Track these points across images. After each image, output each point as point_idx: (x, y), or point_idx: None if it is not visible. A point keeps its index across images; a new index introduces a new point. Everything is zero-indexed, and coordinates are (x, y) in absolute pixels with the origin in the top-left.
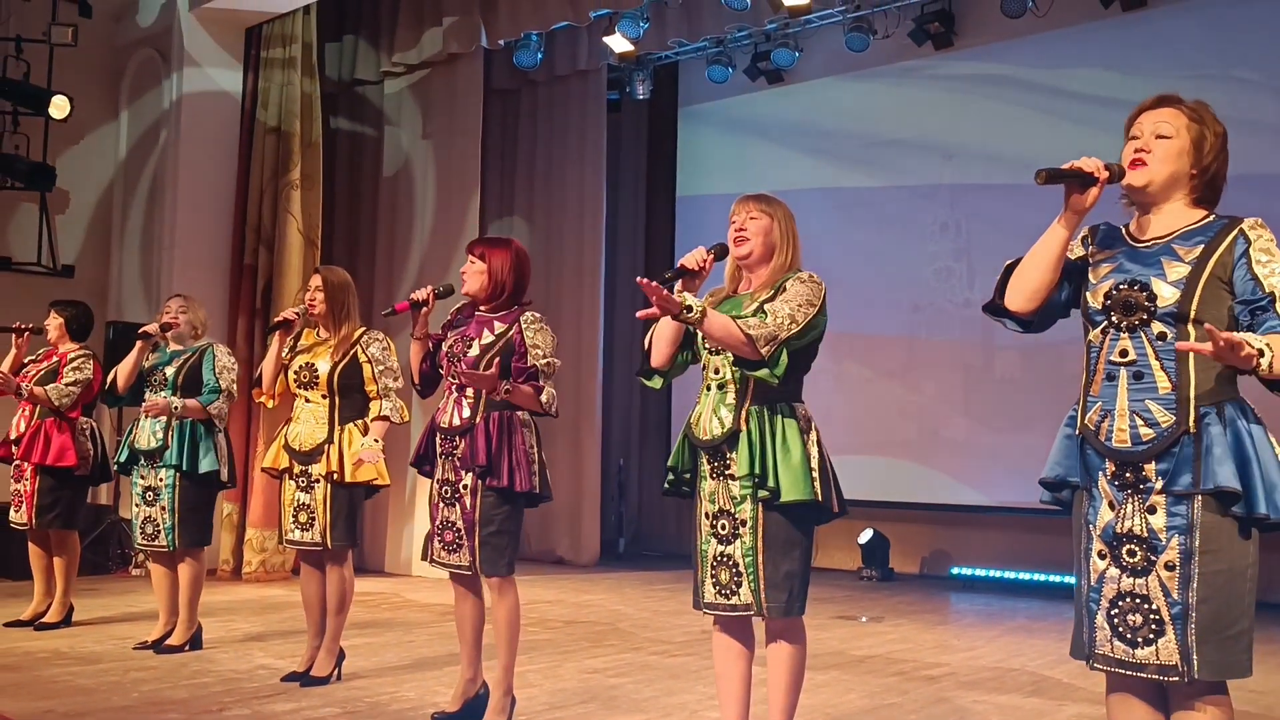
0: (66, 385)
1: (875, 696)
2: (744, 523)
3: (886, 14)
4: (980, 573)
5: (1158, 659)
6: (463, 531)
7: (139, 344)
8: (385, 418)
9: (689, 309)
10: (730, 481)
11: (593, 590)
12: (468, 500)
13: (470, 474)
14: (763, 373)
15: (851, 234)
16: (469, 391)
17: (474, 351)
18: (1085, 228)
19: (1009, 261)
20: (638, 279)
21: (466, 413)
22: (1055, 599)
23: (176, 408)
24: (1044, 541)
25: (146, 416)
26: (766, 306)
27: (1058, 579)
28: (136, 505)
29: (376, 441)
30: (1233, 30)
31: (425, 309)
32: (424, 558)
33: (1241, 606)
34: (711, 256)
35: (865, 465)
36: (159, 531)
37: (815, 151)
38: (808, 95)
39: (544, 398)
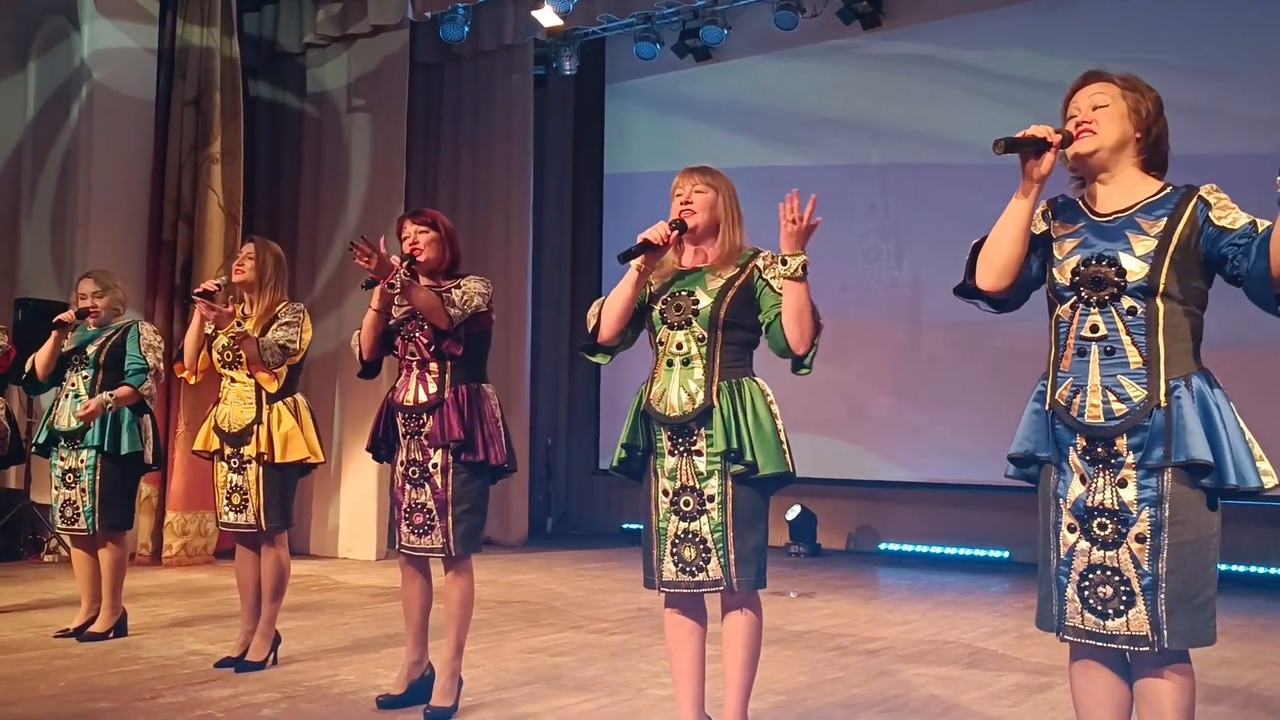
0: None
1: (817, 671)
2: (711, 498)
3: None
4: (906, 548)
5: (1128, 630)
6: (434, 512)
7: (54, 333)
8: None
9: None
10: (696, 458)
11: (523, 570)
12: (438, 479)
13: (440, 451)
14: (802, 370)
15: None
16: (433, 367)
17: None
18: (1043, 202)
19: (975, 241)
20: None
21: (433, 388)
22: (981, 573)
23: (109, 404)
24: (969, 517)
25: (82, 420)
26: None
27: (983, 553)
28: (55, 488)
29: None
30: (1154, 15)
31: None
32: (391, 545)
33: (1207, 575)
34: (676, 232)
35: (794, 442)
36: (79, 515)
37: (743, 130)
38: (736, 73)
39: (448, 309)
